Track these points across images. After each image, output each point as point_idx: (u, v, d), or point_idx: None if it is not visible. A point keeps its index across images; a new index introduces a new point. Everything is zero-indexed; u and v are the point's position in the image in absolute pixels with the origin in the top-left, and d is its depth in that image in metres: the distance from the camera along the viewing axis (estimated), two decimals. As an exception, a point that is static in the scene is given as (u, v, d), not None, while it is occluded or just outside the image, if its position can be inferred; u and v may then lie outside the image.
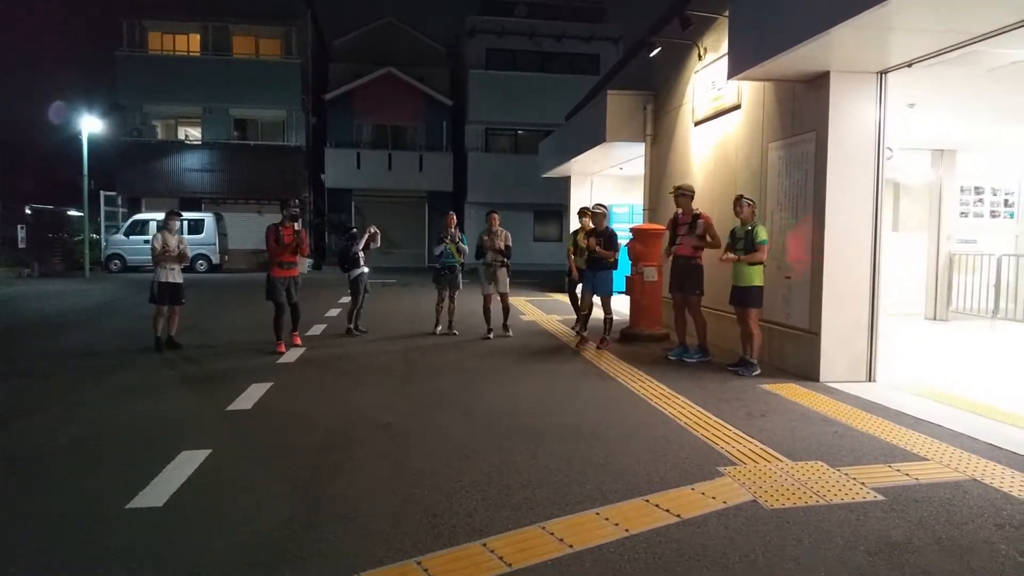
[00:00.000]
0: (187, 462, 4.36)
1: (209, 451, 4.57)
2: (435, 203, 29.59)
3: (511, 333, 9.68)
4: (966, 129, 10.02)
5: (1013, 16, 5.05)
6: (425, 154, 29.06)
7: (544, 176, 19.24)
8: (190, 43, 27.83)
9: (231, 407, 5.82)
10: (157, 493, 3.87)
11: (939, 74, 6.61)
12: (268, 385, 6.52)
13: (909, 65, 6.33)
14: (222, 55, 27.41)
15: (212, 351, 8.58)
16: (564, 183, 18.56)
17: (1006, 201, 11.88)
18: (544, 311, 13.20)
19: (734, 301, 7.35)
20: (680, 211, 8.18)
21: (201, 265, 23.38)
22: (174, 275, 8.72)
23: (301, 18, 28.00)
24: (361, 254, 10.18)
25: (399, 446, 4.82)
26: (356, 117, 28.98)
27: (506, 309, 9.74)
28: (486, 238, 9.48)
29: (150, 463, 4.30)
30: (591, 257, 8.55)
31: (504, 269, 9.49)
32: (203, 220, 23.91)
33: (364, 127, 29.38)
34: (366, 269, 10.31)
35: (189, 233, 23.51)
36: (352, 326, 10.06)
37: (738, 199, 7.39)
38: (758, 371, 7.14)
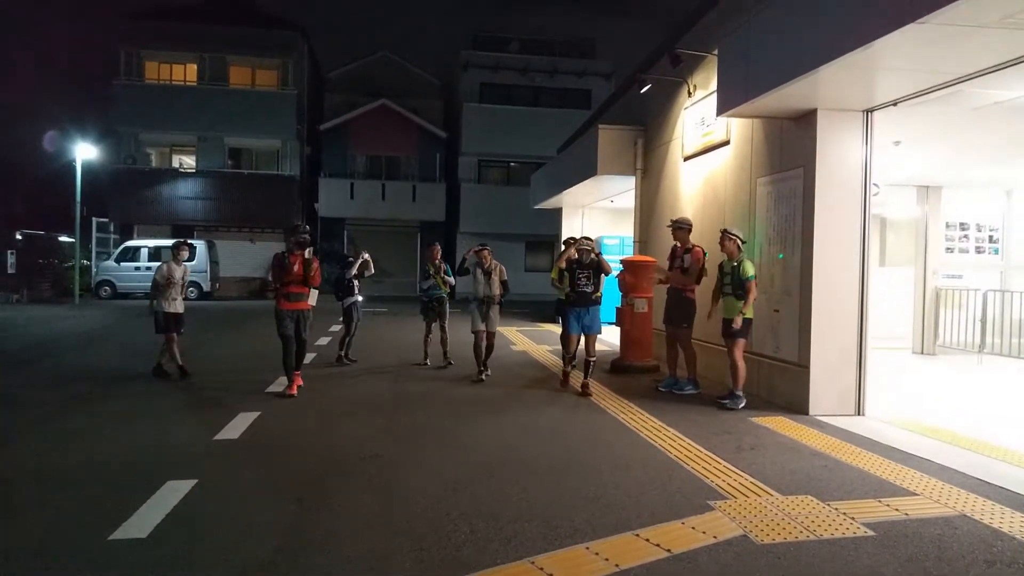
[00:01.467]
0: (172, 492, 4.31)
1: (195, 481, 4.52)
2: (428, 233, 29.66)
3: (490, 372, 8.93)
4: (951, 166, 10.19)
5: (994, 59, 5.18)
6: (418, 184, 29.24)
7: (536, 207, 19.37)
8: (187, 73, 28.08)
9: (218, 436, 5.76)
10: (141, 524, 3.81)
11: (924, 113, 6.75)
12: (256, 415, 6.46)
13: (895, 104, 6.47)
14: (218, 85, 27.65)
15: (200, 380, 8.51)
16: (556, 214, 18.70)
17: (991, 237, 12.04)
18: (535, 341, 13.18)
19: (725, 334, 7.37)
20: (678, 244, 8.30)
21: (192, 292, 23.25)
22: (177, 305, 8.63)
23: (297, 50, 28.35)
24: (355, 282, 10.16)
25: (387, 478, 4.78)
26: (350, 147, 29.19)
27: (490, 347, 9.01)
28: (480, 274, 8.83)
29: (134, 493, 4.25)
30: (579, 292, 7.88)
31: (497, 307, 8.98)
32: (195, 247, 23.85)
33: (358, 157, 29.58)
34: (360, 298, 10.26)
35: (181, 261, 23.48)
36: (343, 354, 10.01)
37: (723, 234, 7.42)
38: (744, 402, 7.12)
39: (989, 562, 3.51)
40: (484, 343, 8.84)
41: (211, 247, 24.16)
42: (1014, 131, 7.73)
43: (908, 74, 5.72)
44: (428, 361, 9.87)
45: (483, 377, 8.77)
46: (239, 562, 3.39)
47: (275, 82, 28.48)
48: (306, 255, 7.58)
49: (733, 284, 7.20)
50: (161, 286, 8.50)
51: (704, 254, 8.14)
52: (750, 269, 7.14)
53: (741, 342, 7.22)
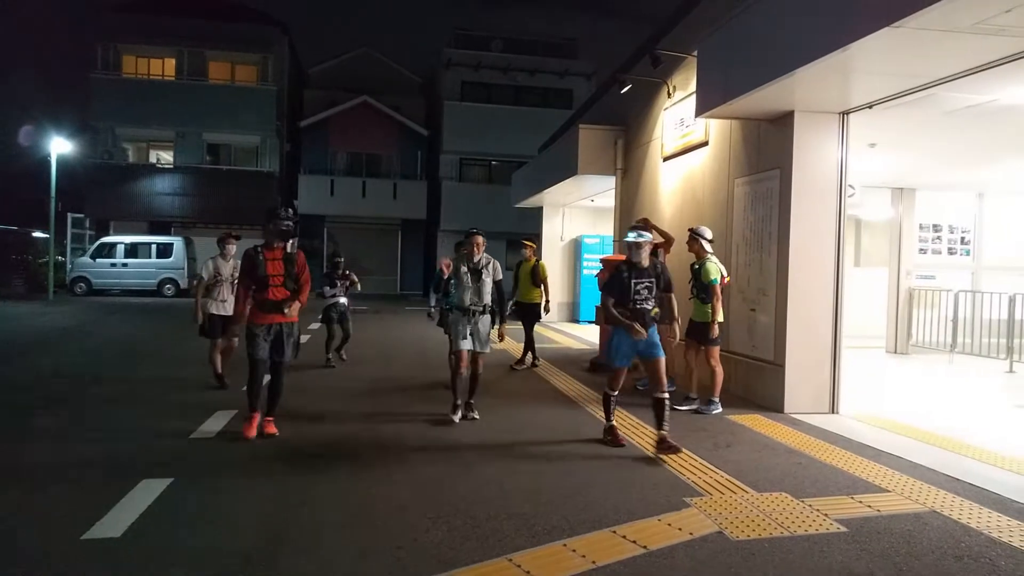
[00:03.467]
0: (147, 491, 4.26)
1: (171, 480, 4.48)
2: (408, 230, 29.61)
3: (477, 415, 6.50)
4: (925, 169, 10.36)
5: (966, 63, 5.29)
6: (399, 182, 29.12)
7: (517, 206, 19.39)
8: (165, 67, 27.73)
9: (195, 434, 5.71)
10: (115, 523, 3.77)
11: (898, 116, 6.86)
12: (234, 412, 6.41)
13: (870, 107, 6.57)
14: (197, 80, 27.35)
15: (179, 376, 8.42)
16: (537, 213, 18.73)
17: (963, 239, 12.26)
18: (516, 340, 13.18)
19: (692, 335, 7.11)
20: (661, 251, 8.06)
21: (169, 290, 23.06)
22: (227, 306, 7.56)
23: (278, 45, 28.11)
24: (337, 284, 9.50)
25: (365, 476, 4.77)
26: (331, 144, 29.01)
27: (475, 377, 6.57)
28: (466, 273, 6.47)
29: (109, 493, 4.20)
30: (637, 310, 5.53)
31: (488, 317, 6.55)
32: (172, 244, 23.62)
33: (339, 154, 29.41)
34: (343, 299, 9.56)
35: (157, 257, 23.24)
36: (329, 356, 9.45)
37: (690, 233, 7.21)
38: (719, 409, 6.93)
39: (957, 556, 3.58)
40: (467, 370, 6.51)
41: (189, 244, 23.91)
42: (986, 135, 7.88)
43: (883, 77, 5.81)
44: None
45: (466, 416, 6.44)
46: (215, 562, 3.37)
47: (255, 78, 28.23)
48: (288, 249, 5.73)
49: (697, 287, 7.02)
50: (209, 286, 7.67)
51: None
52: (712, 272, 6.89)
53: (716, 349, 7.00)
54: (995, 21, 4.40)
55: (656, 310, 5.68)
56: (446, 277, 6.88)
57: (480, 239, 6.51)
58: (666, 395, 5.51)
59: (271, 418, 5.74)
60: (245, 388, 5.74)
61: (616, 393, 5.75)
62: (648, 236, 5.65)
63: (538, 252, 13.22)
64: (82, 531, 3.65)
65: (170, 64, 27.66)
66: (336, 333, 9.54)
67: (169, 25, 26.46)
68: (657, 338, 5.62)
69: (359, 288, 9.83)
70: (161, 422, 6.20)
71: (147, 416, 6.45)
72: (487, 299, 6.48)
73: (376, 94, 28.99)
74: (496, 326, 6.75)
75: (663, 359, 5.60)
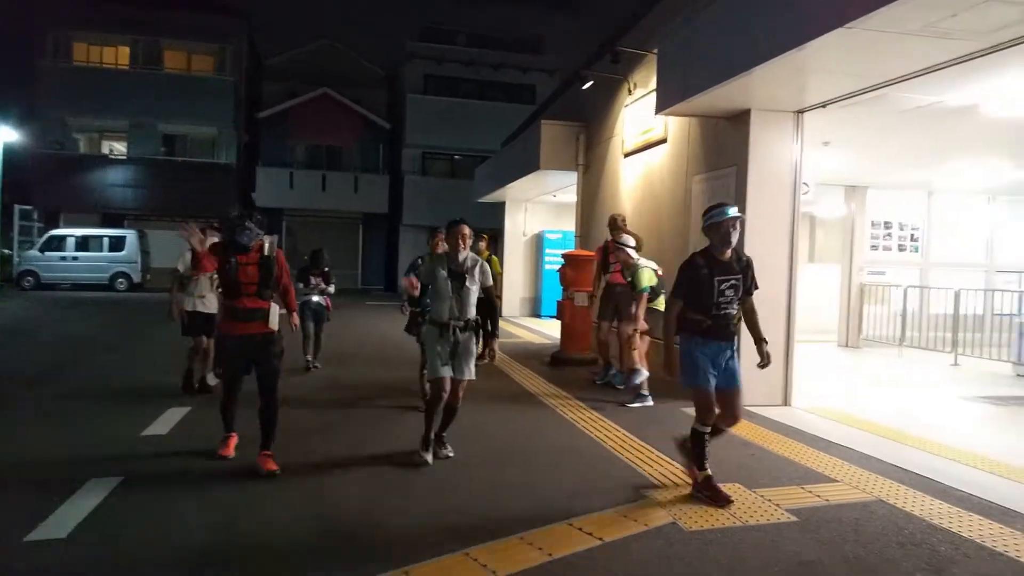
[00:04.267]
0: (95, 490, 4.15)
1: (120, 479, 4.37)
2: (370, 225, 29.35)
3: (451, 451, 5.12)
4: (876, 167, 10.63)
5: (915, 65, 5.43)
6: (361, 175, 28.85)
7: (479, 201, 19.36)
8: (118, 56, 26.98)
9: (146, 432, 5.58)
10: (60, 524, 3.67)
11: (851, 115, 7.02)
12: (186, 410, 6.28)
13: (824, 106, 6.71)
14: (152, 69, 26.67)
15: (131, 374, 8.23)
16: (499, 208, 18.73)
17: (912, 236, 12.62)
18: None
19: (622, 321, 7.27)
20: (610, 239, 7.99)
21: (122, 284, 22.49)
22: (207, 303, 6.88)
23: (236, 35, 27.55)
24: (312, 284, 8.62)
25: (323, 473, 4.72)
26: (290, 136, 28.58)
27: (453, 410, 5.09)
28: (443, 277, 4.91)
29: (54, 493, 4.07)
30: (720, 316, 4.29)
31: (472, 334, 5.00)
32: (125, 237, 23.03)
33: (298, 147, 29.01)
34: (315, 298, 8.61)
35: (110, 250, 22.64)
36: (308, 359, 8.67)
37: (614, 244, 7.27)
38: (651, 403, 6.93)
39: (901, 543, 3.69)
40: (444, 399, 4.91)
41: (142, 237, 23.34)
42: (934, 135, 8.12)
43: (836, 77, 5.94)
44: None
45: (438, 453, 5.06)
46: (163, 562, 3.30)
47: (212, 68, 27.63)
48: (265, 249, 4.78)
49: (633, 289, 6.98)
50: (184, 280, 6.91)
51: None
52: (644, 280, 6.82)
53: (647, 339, 7.06)
54: (941, 25, 4.53)
55: (739, 317, 4.42)
56: (417, 283, 5.22)
57: (467, 231, 4.91)
58: (705, 430, 4.36)
59: (269, 452, 4.67)
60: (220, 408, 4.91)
61: (710, 430, 4.35)
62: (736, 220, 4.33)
63: (495, 246, 13.17)
64: (25, 532, 3.54)
65: (124, 52, 26.92)
66: (310, 333, 8.62)
67: (123, 13, 25.67)
68: (738, 362, 4.41)
69: (332, 290, 8.79)
70: (111, 420, 6.04)
71: (96, 414, 6.28)
72: (472, 312, 4.92)
73: (337, 86, 28.64)
74: (483, 343, 5.11)
75: (740, 389, 4.42)
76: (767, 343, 4.51)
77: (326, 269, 8.76)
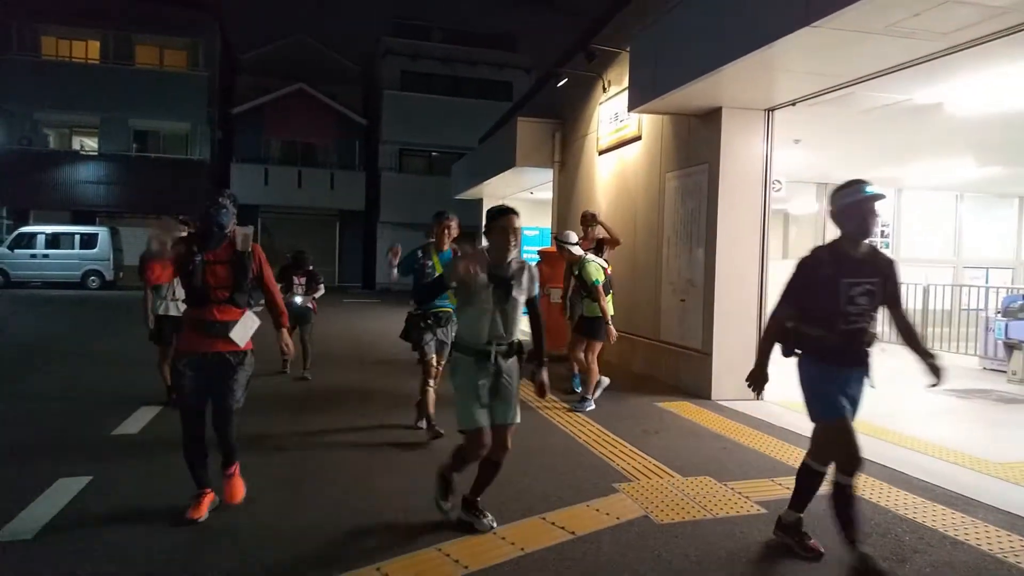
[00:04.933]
0: (63, 490, 4.11)
1: (89, 478, 4.33)
2: (347, 222, 29.17)
3: (493, 522, 3.75)
4: (846, 165, 10.75)
5: (881, 64, 5.54)
6: (337, 172, 28.66)
7: (457, 198, 19.34)
8: (88, 50, 26.54)
9: (116, 431, 5.53)
10: (27, 524, 3.63)
11: (820, 113, 7.13)
12: (158, 409, 6.22)
13: (793, 104, 6.80)
14: (123, 64, 26.26)
15: (102, 372, 8.12)
16: (477, 205, 18.72)
17: (882, 232, 12.81)
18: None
19: (578, 330, 6.87)
20: (582, 237, 7.70)
21: (93, 281, 22.15)
22: (178, 306, 6.08)
23: (209, 30, 27.21)
24: (294, 285, 8.03)
25: (297, 471, 4.71)
26: (265, 132, 28.31)
27: (496, 466, 3.76)
28: (483, 280, 3.59)
29: (22, 492, 4.03)
30: (850, 332, 3.40)
31: (515, 361, 3.74)
32: (97, 235, 22.68)
33: (273, 143, 28.73)
34: (298, 299, 7.98)
35: (81, 248, 22.29)
36: (304, 367, 8.02)
37: (556, 243, 7.08)
38: (592, 406, 6.64)
39: (867, 534, 3.76)
40: (483, 453, 3.66)
41: (114, 234, 23.00)
42: (902, 133, 8.27)
43: (805, 76, 6.03)
44: (421, 423, 5.69)
45: (475, 525, 3.73)
46: (132, 563, 3.28)
47: (185, 63, 27.29)
48: (238, 243, 3.85)
49: (584, 289, 6.72)
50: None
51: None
52: (593, 273, 6.61)
53: (598, 345, 6.73)
54: (905, 24, 4.62)
55: (873, 334, 3.46)
56: (443, 280, 3.84)
57: (515, 223, 3.60)
58: (852, 482, 3.39)
59: (232, 470, 3.94)
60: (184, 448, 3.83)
61: (826, 468, 3.52)
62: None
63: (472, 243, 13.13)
64: (-9, 533, 3.50)
65: (94, 47, 26.50)
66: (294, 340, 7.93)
67: (92, 6, 25.27)
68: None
69: (321, 292, 8.28)
70: (81, 419, 5.97)
71: (66, 413, 6.19)
72: (517, 331, 3.69)
73: (312, 82, 28.43)
74: (532, 373, 3.80)
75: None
76: (935, 357, 3.55)
77: (311, 268, 8.19)
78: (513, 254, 3.61)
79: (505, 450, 3.71)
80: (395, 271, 5.36)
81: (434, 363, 5.49)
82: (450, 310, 5.39)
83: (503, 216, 3.60)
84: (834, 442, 3.37)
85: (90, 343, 10.77)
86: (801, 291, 3.38)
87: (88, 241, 22.41)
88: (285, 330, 4.14)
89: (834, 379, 3.38)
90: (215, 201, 3.79)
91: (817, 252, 3.40)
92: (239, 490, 3.94)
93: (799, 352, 3.48)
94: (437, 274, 5.01)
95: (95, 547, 3.42)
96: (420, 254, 5.49)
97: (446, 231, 5.53)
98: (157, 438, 5.38)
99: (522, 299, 3.66)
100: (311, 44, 30.71)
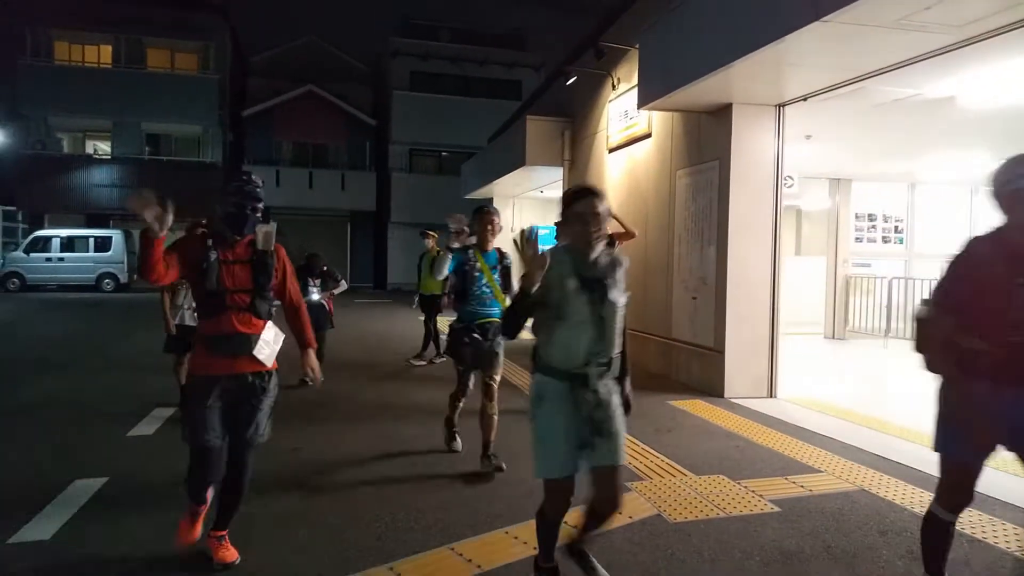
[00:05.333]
0: (80, 492, 4.15)
1: (105, 479, 4.37)
2: (358, 222, 29.25)
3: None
4: (858, 160, 10.71)
5: (892, 57, 5.48)
6: (347, 173, 28.75)
7: (467, 197, 19.37)
8: (100, 54, 26.75)
9: (132, 432, 5.57)
10: (44, 526, 3.67)
11: (831, 108, 7.07)
12: (172, 410, 6.26)
13: (804, 99, 6.76)
14: (135, 68, 26.47)
15: (117, 373, 8.18)
16: (487, 205, 18.73)
17: (896, 227, 12.72)
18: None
19: None
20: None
21: (108, 284, 22.35)
22: (194, 316, 5.41)
23: (220, 33, 27.38)
24: (312, 284, 7.87)
25: (307, 472, 4.73)
26: (276, 134, 28.44)
27: (602, 519, 3.04)
28: (571, 281, 2.75)
29: (39, 494, 4.07)
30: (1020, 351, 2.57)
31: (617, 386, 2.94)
32: (111, 237, 22.89)
33: (284, 145, 28.86)
34: (313, 295, 7.82)
35: (96, 251, 22.48)
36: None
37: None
38: None
39: (882, 532, 3.74)
40: (568, 508, 3.00)
41: (128, 237, 23.20)
42: (913, 127, 8.19)
43: (815, 71, 5.99)
44: (456, 445, 5.21)
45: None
46: (147, 563, 3.30)
47: (195, 66, 27.46)
48: (259, 241, 3.26)
49: None
50: (175, 288, 5.88)
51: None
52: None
53: None
54: (917, 18, 4.57)
55: None
56: (526, 293, 2.71)
57: (598, 207, 2.79)
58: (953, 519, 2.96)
59: (222, 532, 3.31)
60: (185, 483, 3.32)
61: (955, 516, 3.00)
62: None
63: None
64: (9, 534, 3.53)
65: (106, 51, 26.70)
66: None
67: (104, 10, 25.49)
68: None
69: (344, 286, 8.15)
70: (97, 420, 6.03)
71: (83, 414, 6.25)
72: (619, 345, 2.91)
73: (322, 83, 28.53)
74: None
75: None
76: None
77: (325, 268, 8.08)
78: (600, 248, 2.82)
79: (616, 502, 2.89)
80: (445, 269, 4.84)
81: (470, 386, 4.95)
82: (498, 320, 4.72)
83: (581, 199, 2.78)
84: (949, 480, 2.91)
85: (105, 345, 10.86)
86: (959, 294, 2.66)
87: (102, 244, 22.61)
88: (312, 351, 3.46)
89: (994, 405, 2.64)
90: (246, 177, 3.21)
91: (977, 246, 2.67)
92: (231, 553, 3.29)
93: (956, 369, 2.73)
94: (518, 288, 3.72)
95: (111, 547, 3.45)
96: (471, 256, 4.77)
97: (490, 228, 4.82)
98: (173, 439, 5.40)
99: (621, 301, 2.82)
100: (321, 45, 30.81)
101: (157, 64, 27.20)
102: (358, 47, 32.30)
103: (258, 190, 3.19)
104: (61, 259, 22.29)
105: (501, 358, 4.83)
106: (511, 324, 2.77)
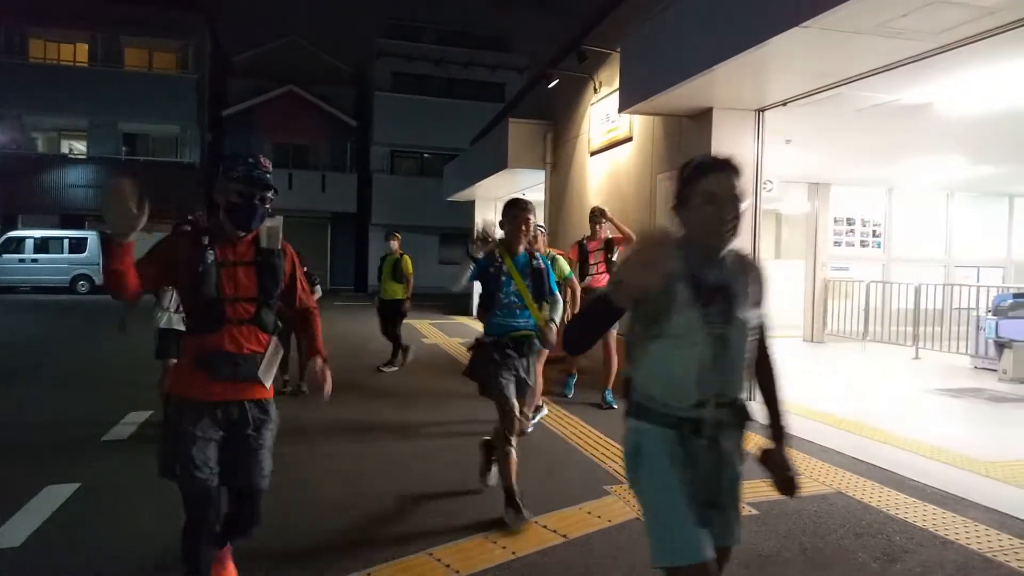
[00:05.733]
0: (52, 497, 4.07)
1: (78, 484, 4.29)
2: (338, 223, 29.09)
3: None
4: (837, 165, 10.82)
5: (871, 63, 5.54)
6: (328, 174, 28.59)
7: (449, 199, 19.32)
8: (76, 53, 26.40)
9: (106, 437, 5.49)
10: (15, 532, 3.59)
11: (811, 113, 7.12)
12: (148, 414, 6.17)
13: (784, 104, 6.80)
14: (112, 67, 26.14)
15: (91, 376, 8.06)
16: (469, 207, 18.71)
17: (874, 232, 12.88)
18: (446, 334, 13.19)
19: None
20: (589, 237, 7.22)
21: (83, 286, 22.03)
22: (183, 320, 4.75)
23: (199, 32, 27.13)
24: None
25: (285, 476, 4.67)
26: (256, 135, 28.18)
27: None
28: (683, 290, 1.96)
29: (9, 500, 3.99)
30: None
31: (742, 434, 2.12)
32: (86, 239, 22.58)
33: (264, 145, 28.61)
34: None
35: (70, 252, 22.15)
36: (287, 379, 7.11)
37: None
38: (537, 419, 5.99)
39: (858, 534, 3.77)
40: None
41: (103, 238, 22.90)
42: (891, 133, 8.29)
43: (795, 76, 6.03)
44: (490, 479, 4.36)
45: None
46: (120, 570, 3.24)
47: (175, 65, 27.20)
48: (263, 238, 2.79)
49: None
50: (161, 288, 5.18)
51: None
52: (565, 267, 6.14)
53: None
54: (894, 24, 4.62)
55: None
56: (608, 302, 1.85)
57: (735, 185, 2.02)
58: None
59: (225, 549, 2.99)
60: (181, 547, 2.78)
61: None
62: None
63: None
64: (-24, 542, 3.46)
65: (82, 49, 26.36)
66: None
67: (81, 8, 25.14)
68: None
69: (319, 292, 6.94)
70: (70, 425, 5.92)
71: (55, 419, 6.15)
72: (744, 380, 2.12)
73: (303, 84, 28.37)
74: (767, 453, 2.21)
75: None
76: None
77: (305, 269, 7.66)
78: (731, 244, 2.04)
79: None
80: (465, 277, 4.11)
81: (517, 411, 3.99)
82: (533, 334, 4.09)
83: (711, 173, 2.01)
84: None
85: (79, 349, 10.70)
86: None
87: (77, 245, 22.29)
88: (323, 361, 2.87)
89: None
90: (253, 160, 2.69)
91: None
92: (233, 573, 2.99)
93: None
94: (552, 289, 4.08)
95: (83, 554, 3.39)
96: (498, 260, 4.02)
97: (524, 229, 4.03)
98: (147, 443, 5.33)
99: (755, 321, 2.11)
100: (303, 46, 30.63)
101: (135, 63, 26.89)
102: (341, 48, 32.20)
103: (268, 176, 2.71)
104: (35, 260, 21.95)
105: (538, 384, 3.98)
106: (577, 335, 2.04)
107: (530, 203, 4.14)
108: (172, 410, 2.67)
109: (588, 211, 9.03)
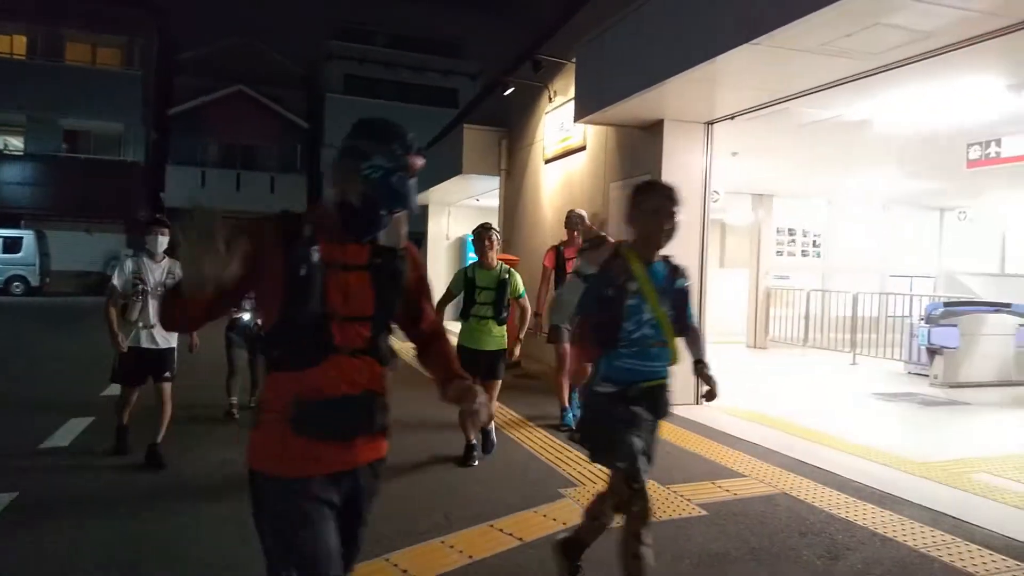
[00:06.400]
0: (-11, 506, 3.93)
1: (15, 494, 4.15)
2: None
3: None
4: (781, 177, 11.19)
5: (814, 80, 5.78)
6: (278, 176, 28.17)
7: (401, 204, 19.19)
8: (14, 45, 25.41)
9: (45, 444, 5.30)
10: (-51, 543, 3.46)
11: (757, 127, 7.36)
12: (89, 420, 5.98)
13: (732, 118, 7.02)
14: (53, 61, 25.23)
15: (26, 383, 7.75)
16: (422, 212, 18.64)
17: (814, 242, 13.35)
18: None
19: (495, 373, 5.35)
20: (565, 243, 6.72)
21: (17, 287, 21.15)
22: (155, 336, 4.85)
23: (145, 28, 26.41)
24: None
25: (235, 482, 4.59)
26: (203, 134, 27.61)
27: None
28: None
29: (-58, 510, 3.84)
30: None
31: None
32: (22, 238, 21.69)
33: (211, 145, 28.05)
34: (245, 315, 6.32)
35: (5, 252, 21.26)
36: (232, 401, 6.41)
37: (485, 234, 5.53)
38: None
39: (803, 533, 3.91)
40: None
41: (41, 238, 22.04)
42: (833, 147, 8.63)
43: (743, 90, 6.24)
44: None
45: None
46: (66, 577, 3.16)
47: (119, 61, 26.45)
48: (381, 236, 1.99)
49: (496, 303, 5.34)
50: (127, 302, 4.83)
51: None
52: (520, 283, 5.55)
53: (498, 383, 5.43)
54: (837, 44, 4.83)
55: None
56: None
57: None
58: None
59: None
60: None
61: None
62: None
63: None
64: (-91, 553, 3.31)
65: (20, 42, 25.39)
66: (239, 365, 6.47)
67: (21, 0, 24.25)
68: None
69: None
70: (7, 432, 5.70)
71: (-11, 425, 5.91)
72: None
73: (254, 84, 27.92)
74: None
75: None
76: None
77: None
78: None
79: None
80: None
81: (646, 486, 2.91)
82: (667, 382, 3.05)
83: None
84: None
85: (16, 353, 10.28)
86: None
87: (12, 245, 21.40)
88: (470, 380, 2.07)
89: None
90: (401, 139, 2.07)
91: None
92: None
93: None
94: (691, 317, 3.07)
95: (18, 569, 3.27)
96: (619, 266, 2.87)
97: (667, 225, 2.84)
98: (88, 451, 5.18)
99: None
100: (254, 45, 30.13)
101: (77, 58, 26.06)
102: (293, 49, 31.71)
103: (408, 145, 2.08)
104: (-33, 261, 21.01)
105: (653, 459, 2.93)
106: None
107: (674, 188, 2.89)
108: (268, 497, 1.86)
109: (543, 218, 9.12)
